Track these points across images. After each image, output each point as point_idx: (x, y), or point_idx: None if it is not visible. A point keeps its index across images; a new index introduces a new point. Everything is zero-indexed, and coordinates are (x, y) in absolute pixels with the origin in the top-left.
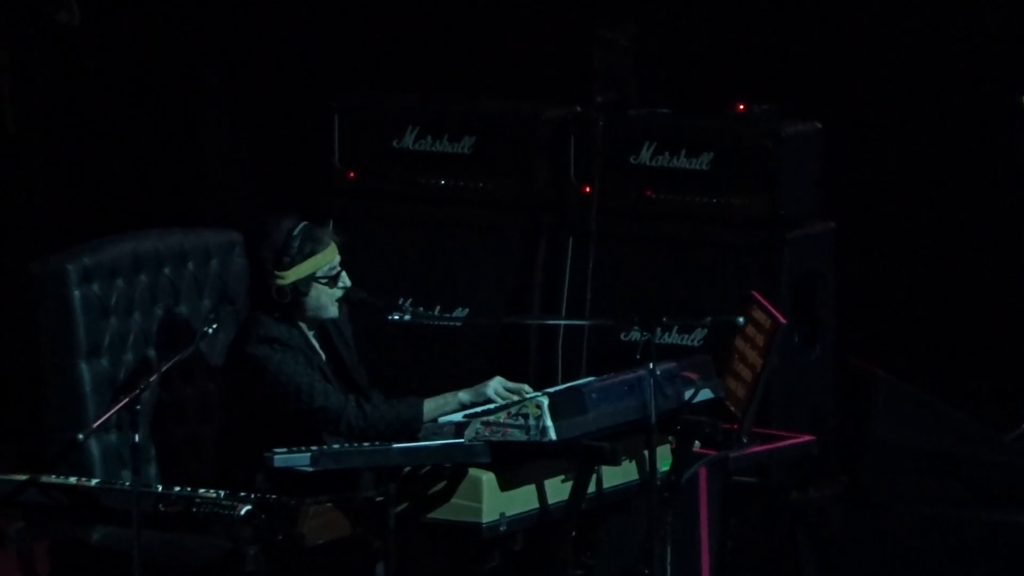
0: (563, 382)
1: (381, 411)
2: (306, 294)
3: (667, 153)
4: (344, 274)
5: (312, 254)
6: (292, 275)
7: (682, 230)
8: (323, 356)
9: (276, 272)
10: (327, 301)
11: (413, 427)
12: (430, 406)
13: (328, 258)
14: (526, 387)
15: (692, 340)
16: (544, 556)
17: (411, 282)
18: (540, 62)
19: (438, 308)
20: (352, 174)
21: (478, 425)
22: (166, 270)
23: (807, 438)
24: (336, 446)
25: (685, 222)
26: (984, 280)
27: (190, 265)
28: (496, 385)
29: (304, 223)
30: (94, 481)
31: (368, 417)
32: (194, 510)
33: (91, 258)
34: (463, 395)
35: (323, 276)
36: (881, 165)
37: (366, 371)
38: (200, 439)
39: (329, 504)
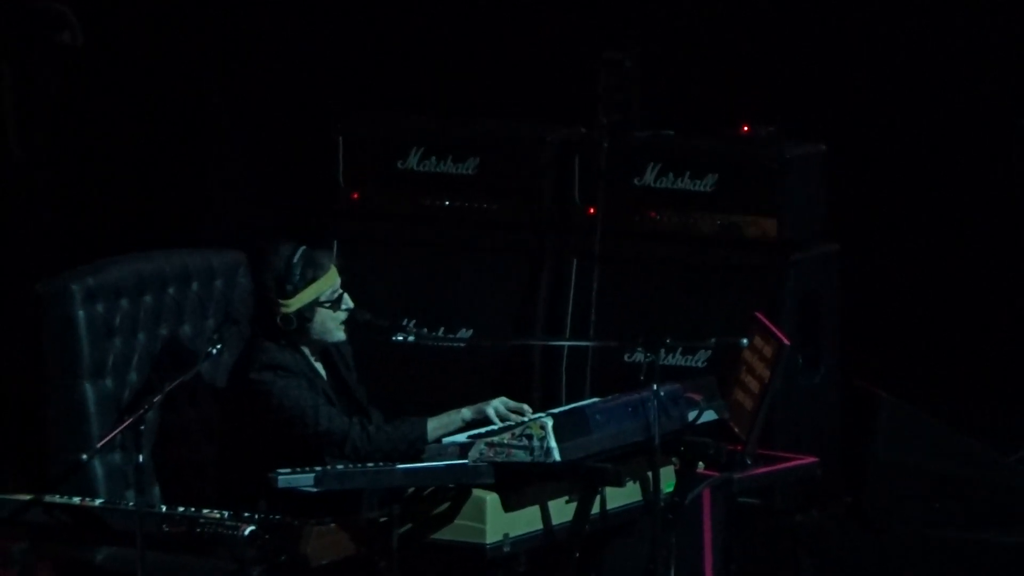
0: (567, 403)
1: (386, 432)
2: (311, 320)
3: (671, 174)
4: (346, 296)
5: (314, 279)
6: (296, 302)
7: (686, 251)
8: (325, 378)
9: (280, 300)
10: (332, 325)
11: (418, 447)
12: (434, 424)
13: (330, 282)
14: (527, 407)
15: (696, 361)
16: None
17: (415, 303)
18: (545, 83)
19: (442, 329)
20: (356, 195)
21: (482, 446)
22: (170, 290)
23: (810, 459)
24: (340, 467)
25: (689, 243)
26: (987, 301)
27: (194, 286)
28: (498, 404)
29: (303, 248)
30: (98, 501)
31: (372, 439)
32: (198, 531)
33: (96, 278)
34: (466, 411)
35: (326, 300)
36: (884, 186)
37: (365, 390)
38: (204, 459)
39: (333, 525)
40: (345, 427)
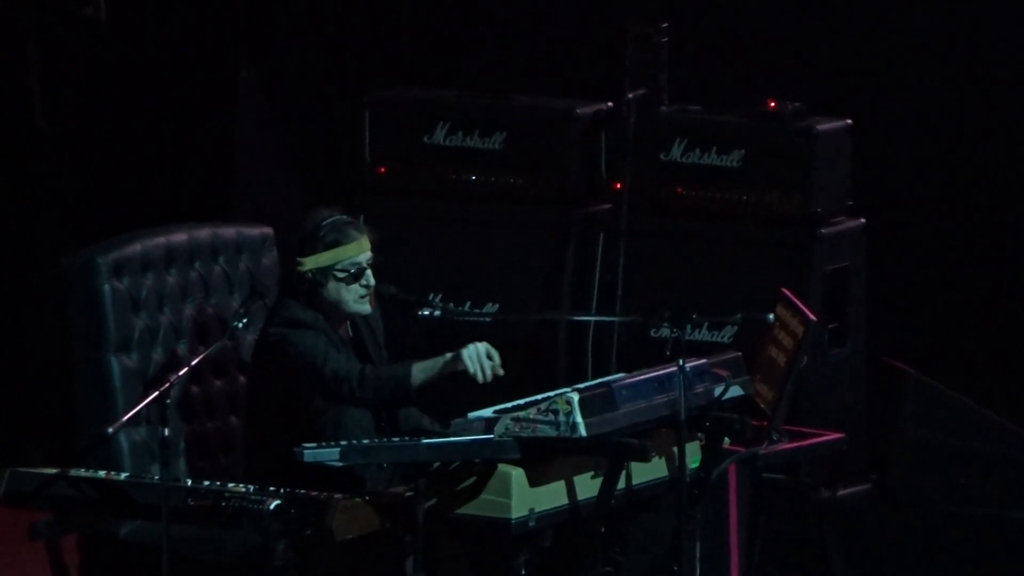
0: (593, 378)
1: (377, 373)
2: (324, 285)
3: (698, 150)
4: (369, 273)
5: (333, 246)
6: (310, 263)
7: (712, 227)
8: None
9: (298, 258)
10: (347, 297)
11: (403, 386)
12: (418, 366)
13: (349, 253)
14: (496, 361)
15: (722, 337)
16: (573, 552)
17: (441, 278)
18: (572, 58)
19: (468, 304)
20: (383, 170)
21: (508, 421)
22: (196, 265)
23: (836, 436)
24: (365, 441)
25: (716, 219)
26: (1015, 277)
27: (220, 260)
28: (472, 349)
29: (339, 216)
30: (123, 475)
31: (364, 382)
32: (223, 504)
33: (121, 252)
34: (448, 355)
35: (341, 270)
36: (911, 161)
37: None
38: (229, 434)
39: (358, 499)
40: (347, 370)
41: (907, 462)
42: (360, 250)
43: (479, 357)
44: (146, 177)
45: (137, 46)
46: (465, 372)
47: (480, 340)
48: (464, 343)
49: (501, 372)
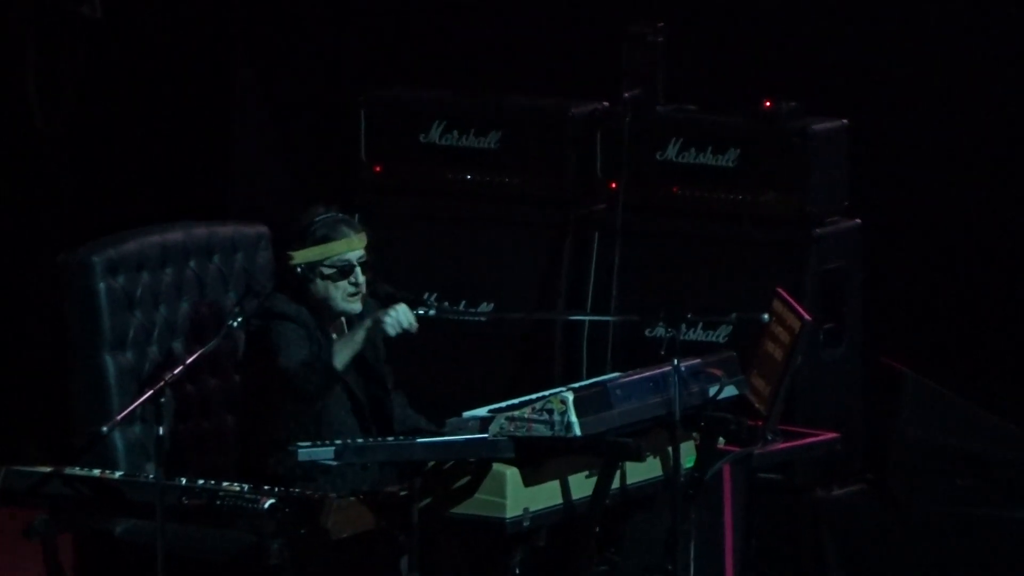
0: (588, 378)
1: (306, 365)
2: (312, 281)
3: (693, 149)
4: (358, 271)
5: (323, 241)
6: (299, 257)
7: (708, 227)
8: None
9: (288, 252)
10: (335, 294)
11: (330, 371)
12: (338, 347)
13: (338, 250)
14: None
15: (717, 337)
16: (568, 552)
17: (437, 277)
18: (568, 57)
19: (463, 303)
20: (378, 168)
21: (503, 420)
22: (192, 263)
23: (832, 436)
24: (360, 440)
25: (711, 219)
26: (1012, 277)
27: (216, 258)
28: (392, 313)
29: (334, 213)
30: (118, 474)
31: (296, 377)
32: (218, 503)
33: (117, 250)
34: (368, 321)
35: (329, 266)
36: (907, 161)
37: (391, 371)
38: (225, 432)
39: (353, 498)
40: (292, 369)
41: (905, 463)
42: (350, 247)
43: (399, 324)
44: (143, 176)
45: (134, 45)
46: (451, 369)
47: (478, 341)
48: (460, 342)
49: (416, 327)
